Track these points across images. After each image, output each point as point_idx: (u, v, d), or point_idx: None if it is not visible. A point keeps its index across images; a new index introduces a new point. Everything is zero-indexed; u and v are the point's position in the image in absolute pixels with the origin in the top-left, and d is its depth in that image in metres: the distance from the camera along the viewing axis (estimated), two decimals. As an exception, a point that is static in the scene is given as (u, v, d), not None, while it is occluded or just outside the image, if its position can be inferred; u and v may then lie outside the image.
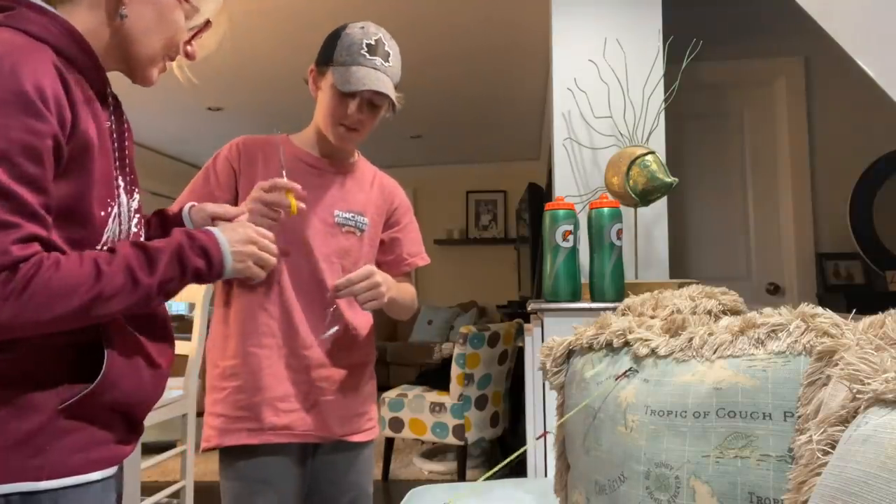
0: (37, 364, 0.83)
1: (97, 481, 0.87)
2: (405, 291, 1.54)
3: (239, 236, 1.04)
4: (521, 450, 1.31)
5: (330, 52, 1.40)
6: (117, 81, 0.95)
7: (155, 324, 0.98)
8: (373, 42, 1.38)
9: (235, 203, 1.40)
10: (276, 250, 1.10)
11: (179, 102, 4.96)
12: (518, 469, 3.45)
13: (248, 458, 1.39)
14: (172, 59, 0.99)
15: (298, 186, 1.27)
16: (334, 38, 1.41)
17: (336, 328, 1.44)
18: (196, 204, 1.24)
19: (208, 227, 1.05)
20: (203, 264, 0.96)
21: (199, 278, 0.97)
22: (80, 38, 0.86)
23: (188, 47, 0.99)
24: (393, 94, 1.40)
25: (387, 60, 1.39)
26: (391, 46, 1.41)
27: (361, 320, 1.51)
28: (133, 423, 0.95)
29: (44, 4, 0.85)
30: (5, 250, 0.76)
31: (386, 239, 1.58)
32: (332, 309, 1.44)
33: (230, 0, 1.05)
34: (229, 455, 1.40)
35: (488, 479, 1.09)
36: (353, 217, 1.49)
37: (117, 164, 0.94)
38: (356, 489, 1.51)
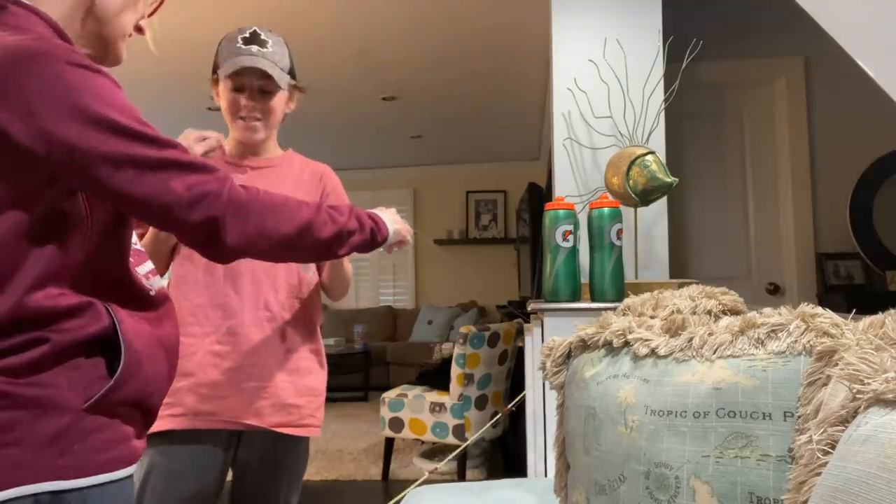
0: (60, 362, 0.83)
1: (121, 479, 0.88)
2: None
3: (379, 209, 1.22)
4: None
5: (216, 59, 1.49)
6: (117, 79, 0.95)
7: (156, 306, 0.98)
8: (247, 35, 1.47)
9: None
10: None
11: (179, 102, 4.96)
12: (518, 469, 3.45)
13: (168, 444, 1.38)
14: (130, 36, 1.02)
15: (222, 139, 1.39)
16: (217, 47, 1.50)
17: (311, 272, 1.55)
18: None
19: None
20: (374, 224, 1.13)
21: (373, 238, 1.13)
22: (62, 30, 0.87)
23: (141, 22, 1.01)
24: (274, 72, 1.44)
25: (263, 47, 1.46)
26: (269, 35, 1.49)
27: (298, 311, 1.49)
28: (149, 415, 0.95)
29: (27, 0, 0.86)
30: (225, 175, 0.89)
31: None
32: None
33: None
34: (150, 443, 1.37)
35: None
36: None
37: None
38: (277, 483, 1.48)
